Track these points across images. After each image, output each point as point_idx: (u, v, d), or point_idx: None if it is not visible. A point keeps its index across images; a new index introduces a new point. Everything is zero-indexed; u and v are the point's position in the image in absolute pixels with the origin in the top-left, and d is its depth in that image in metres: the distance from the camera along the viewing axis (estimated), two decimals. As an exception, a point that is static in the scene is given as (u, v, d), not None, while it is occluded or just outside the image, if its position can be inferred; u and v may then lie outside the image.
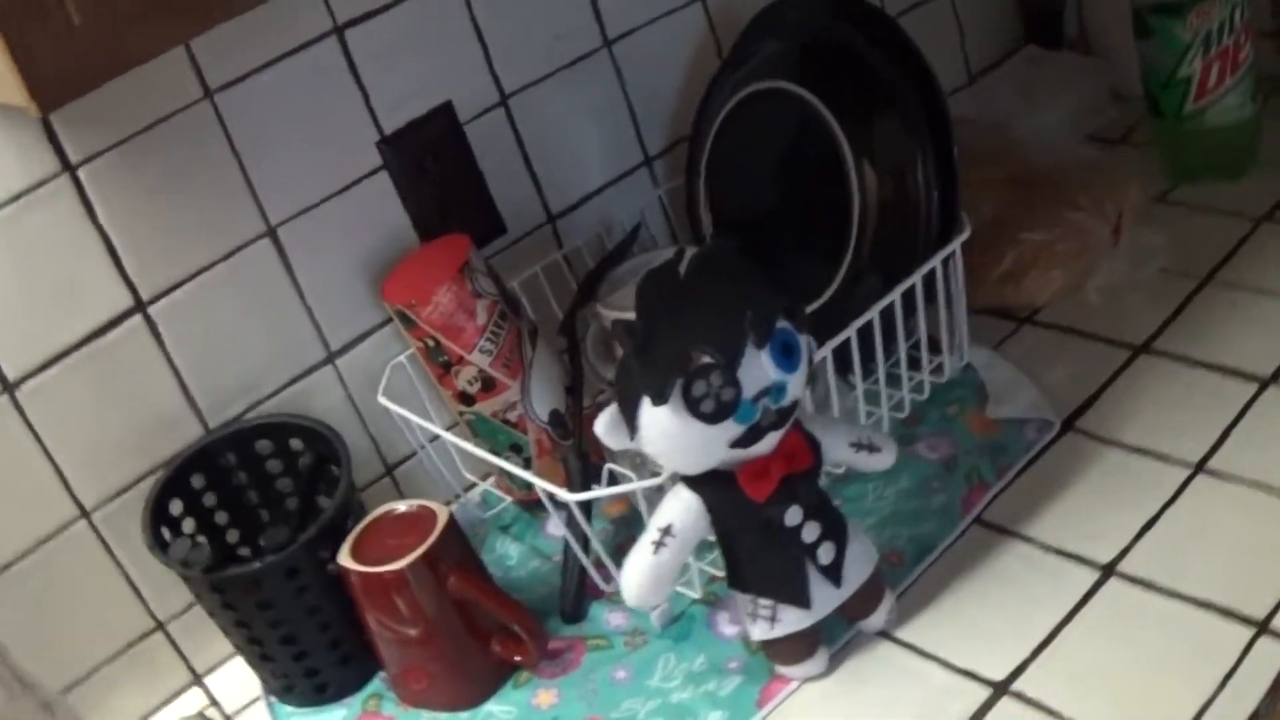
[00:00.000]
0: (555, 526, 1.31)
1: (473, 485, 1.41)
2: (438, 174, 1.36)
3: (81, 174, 1.17)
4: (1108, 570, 1.13)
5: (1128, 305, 1.41)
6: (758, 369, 1.00)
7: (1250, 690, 0.98)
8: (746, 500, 1.05)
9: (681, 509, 1.06)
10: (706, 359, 0.98)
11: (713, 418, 0.99)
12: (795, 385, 1.02)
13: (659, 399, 0.98)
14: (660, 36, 1.51)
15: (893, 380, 1.32)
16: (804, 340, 1.04)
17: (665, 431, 1.01)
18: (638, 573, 1.07)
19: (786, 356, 1.01)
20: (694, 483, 1.06)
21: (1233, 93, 1.50)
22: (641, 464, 1.20)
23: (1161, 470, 1.21)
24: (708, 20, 1.55)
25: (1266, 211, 1.50)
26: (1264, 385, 1.26)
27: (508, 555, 1.35)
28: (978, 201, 1.39)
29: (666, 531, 1.06)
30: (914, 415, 1.34)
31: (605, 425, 1.04)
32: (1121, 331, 1.38)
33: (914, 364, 1.34)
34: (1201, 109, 1.51)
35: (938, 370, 1.35)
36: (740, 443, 1.02)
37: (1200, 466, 1.20)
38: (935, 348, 1.34)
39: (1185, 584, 1.09)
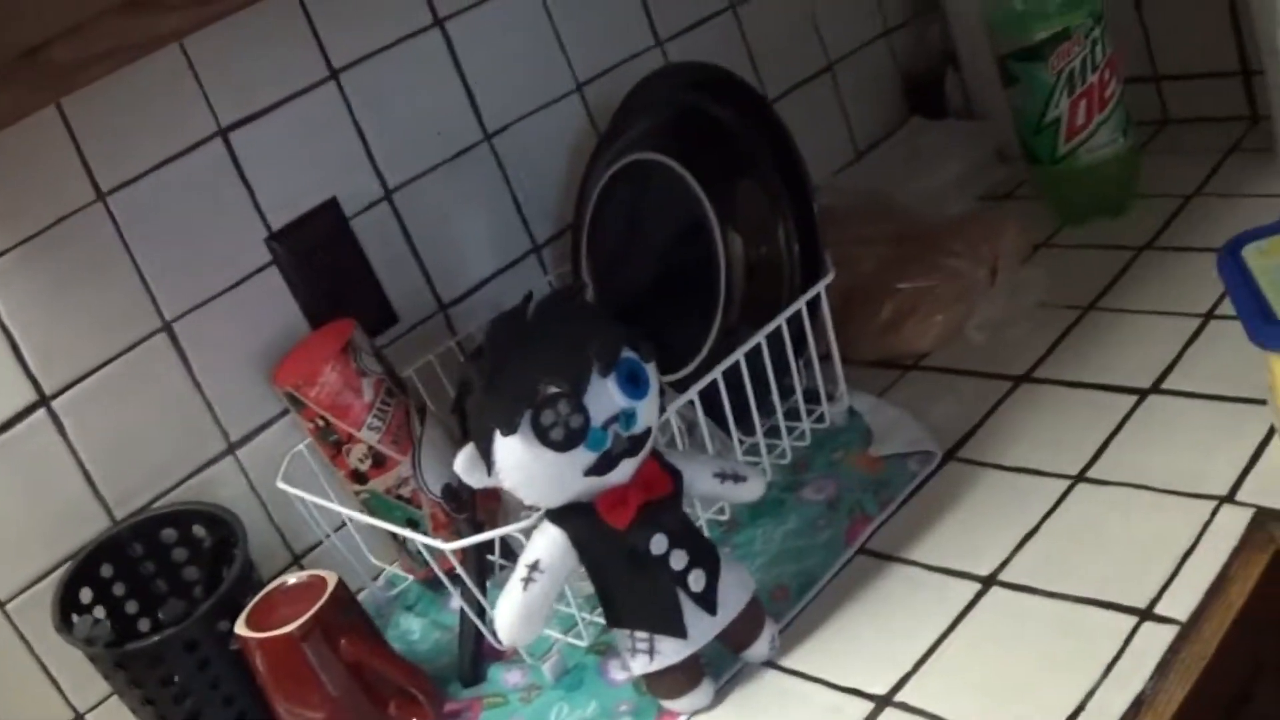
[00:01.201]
0: (458, 601, 1.33)
1: (380, 572, 1.43)
2: (327, 267, 1.40)
3: (-17, 274, 1.22)
4: (989, 581, 1.14)
5: (1009, 340, 1.44)
6: (605, 396, 1.03)
7: (1135, 674, 0.99)
8: (609, 529, 1.06)
9: (547, 543, 1.08)
10: (553, 388, 1.01)
11: (563, 445, 1.02)
12: (645, 413, 1.05)
13: (509, 429, 1.01)
14: (540, 128, 1.57)
15: (776, 433, 1.35)
16: (651, 369, 1.06)
17: (520, 463, 1.03)
18: (509, 609, 1.09)
19: (633, 384, 1.04)
20: (557, 517, 1.08)
21: (1103, 129, 1.54)
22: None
23: (1042, 484, 1.23)
24: (585, 109, 1.60)
25: (1146, 241, 1.54)
26: (1143, 395, 1.28)
27: (411, 630, 1.36)
28: (858, 258, 1.43)
29: (534, 567, 1.08)
30: (801, 463, 1.36)
31: (463, 463, 1.06)
32: (1003, 365, 1.41)
33: (797, 416, 1.36)
34: (1074, 148, 1.55)
35: (819, 419, 1.38)
36: (595, 470, 1.04)
37: (1080, 476, 1.22)
38: (816, 399, 1.37)
39: (1067, 585, 1.10)
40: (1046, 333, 1.43)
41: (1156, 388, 1.29)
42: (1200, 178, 1.63)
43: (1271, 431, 1.17)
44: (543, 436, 1.01)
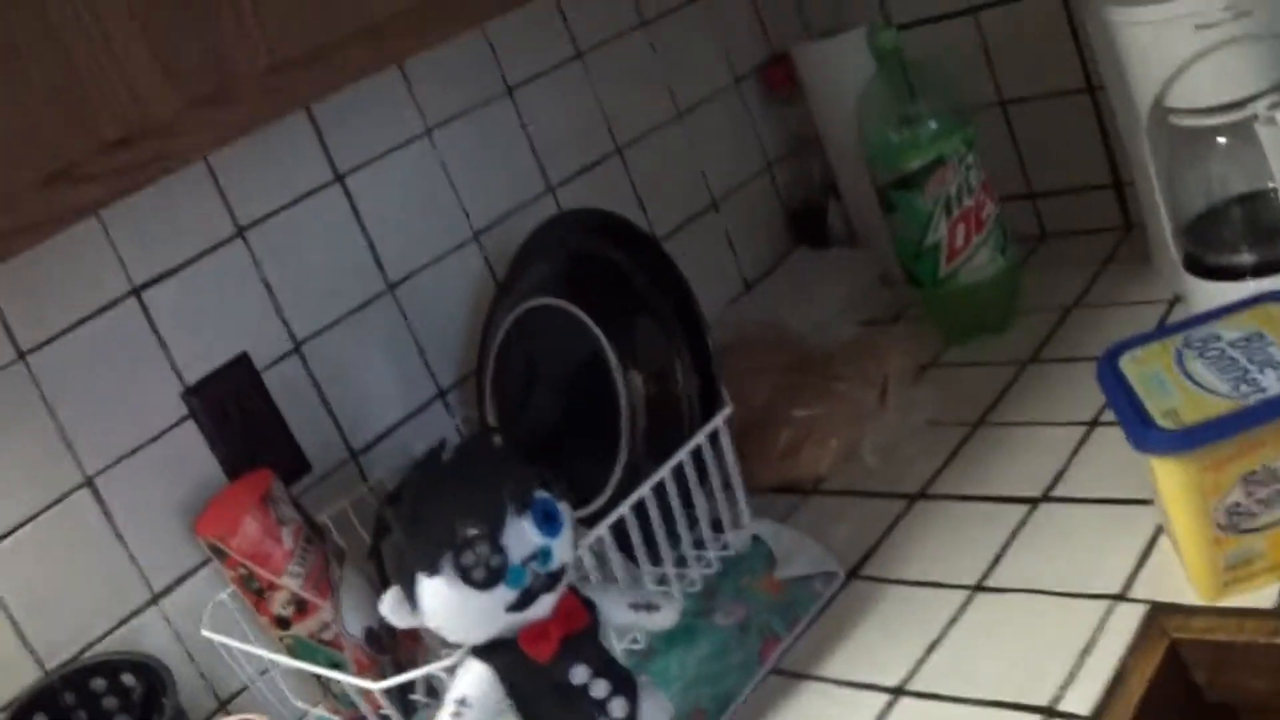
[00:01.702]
0: (385, 743, 1.36)
1: (304, 715, 1.45)
2: (240, 419, 1.44)
3: (-93, 430, 1.24)
4: (898, 691, 1.19)
5: (903, 460, 1.51)
6: (522, 536, 1.07)
7: (1043, 771, 1.04)
8: (532, 663, 1.10)
9: (474, 680, 1.11)
10: (472, 530, 1.05)
11: (485, 584, 1.05)
12: (561, 549, 1.09)
13: (432, 571, 1.05)
14: (440, 276, 1.62)
15: (685, 561, 1.39)
16: (564, 508, 1.11)
17: (444, 602, 1.07)
18: (441, 745, 1.12)
19: (548, 522, 1.08)
20: (482, 653, 1.11)
21: (982, 250, 1.61)
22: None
23: (942, 596, 1.28)
24: (483, 256, 1.66)
25: (1031, 355, 1.61)
26: (1034, 504, 1.35)
27: (339, 772, 1.38)
28: (752, 389, 1.48)
29: (462, 703, 1.11)
30: (710, 590, 1.40)
31: (389, 604, 1.09)
32: (898, 484, 1.47)
33: (702, 545, 1.41)
34: (954, 271, 1.63)
35: (724, 547, 1.42)
36: (515, 607, 1.08)
37: (978, 586, 1.27)
38: (720, 528, 1.42)
39: (972, 689, 1.16)
40: (938, 450, 1.50)
41: (1047, 496, 1.35)
42: (1079, 290, 1.71)
43: (1158, 530, 1.23)
44: (465, 576, 1.05)
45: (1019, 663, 1.16)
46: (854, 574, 1.37)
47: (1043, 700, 1.11)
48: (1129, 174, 1.67)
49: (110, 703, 1.33)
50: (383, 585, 1.33)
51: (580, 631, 1.12)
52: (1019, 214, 1.76)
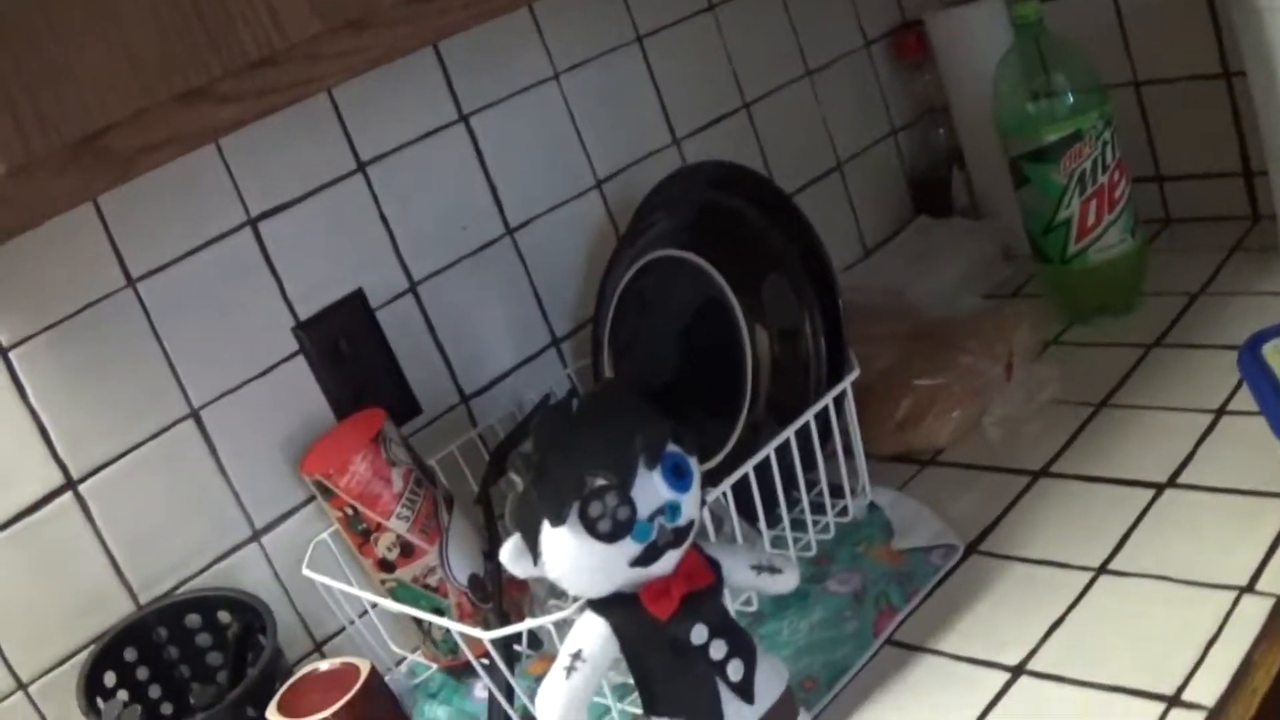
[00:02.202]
0: (481, 690, 1.34)
1: (401, 659, 1.44)
2: (352, 357, 1.42)
3: (13, 356, 1.23)
4: (1017, 670, 1.16)
5: (1025, 436, 1.47)
6: (651, 489, 1.04)
7: (1166, 761, 1.01)
8: (651, 619, 1.07)
9: (590, 633, 1.09)
10: (601, 481, 1.02)
11: (610, 537, 1.03)
12: (689, 505, 1.06)
13: (557, 520, 1.02)
14: (560, 223, 1.60)
15: (801, 526, 1.36)
16: (694, 463, 1.08)
17: (566, 553, 1.04)
18: (553, 698, 1.08)
19: (678, 477, 1.05)
20: (600, 607, 1.09)
21: (1113, 229, 1.57)
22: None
23: (1065, 576, 1.24)
24: (605, 206, 1.63)
25: (1155, 339, 1.57)
26: (1160, 490, 1.31)
27: (436, 719, 1.36)
28: (873, 355, 1.45)
29: (577, 656, 1.09)
30: (825, 556, 1.37)
31: (510, 553, 1.07)
32: (1020, 461, 1.43)
33: (820, 510, 1.38)
34: (1083, 249, 1.58)
35: (842, 512, 1.39)
36: (640, 561, 1.05)
37: (1102, 569, 1.23)
38: (839, 493, 1.39)
39: (1095, 673, 1.12)
40: (1062, 428, 1.46)
41: (1173, 482, 1.31)
42: (1205, 277, 1.66)
43: (1289, 523, 1.20)
44: (591, 528, 1.02)
45: (1142, 649, 1.13)
46: (973, 549, 1.33)
47: (1166, 689, 1.07)
48: (1261, 163, 1.63)
49: (204, 639, 1.32)
50: (489, 531, 1.32)
51: (702, 590, 1.09)
52: (1144, 197, 1.72)
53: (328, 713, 1.15)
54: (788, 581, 1.18)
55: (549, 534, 1.04)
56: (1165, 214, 1.85)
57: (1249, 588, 1.14)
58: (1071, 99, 1.54)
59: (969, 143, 1.89)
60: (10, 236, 1.04)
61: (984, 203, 1.91)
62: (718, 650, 1.10)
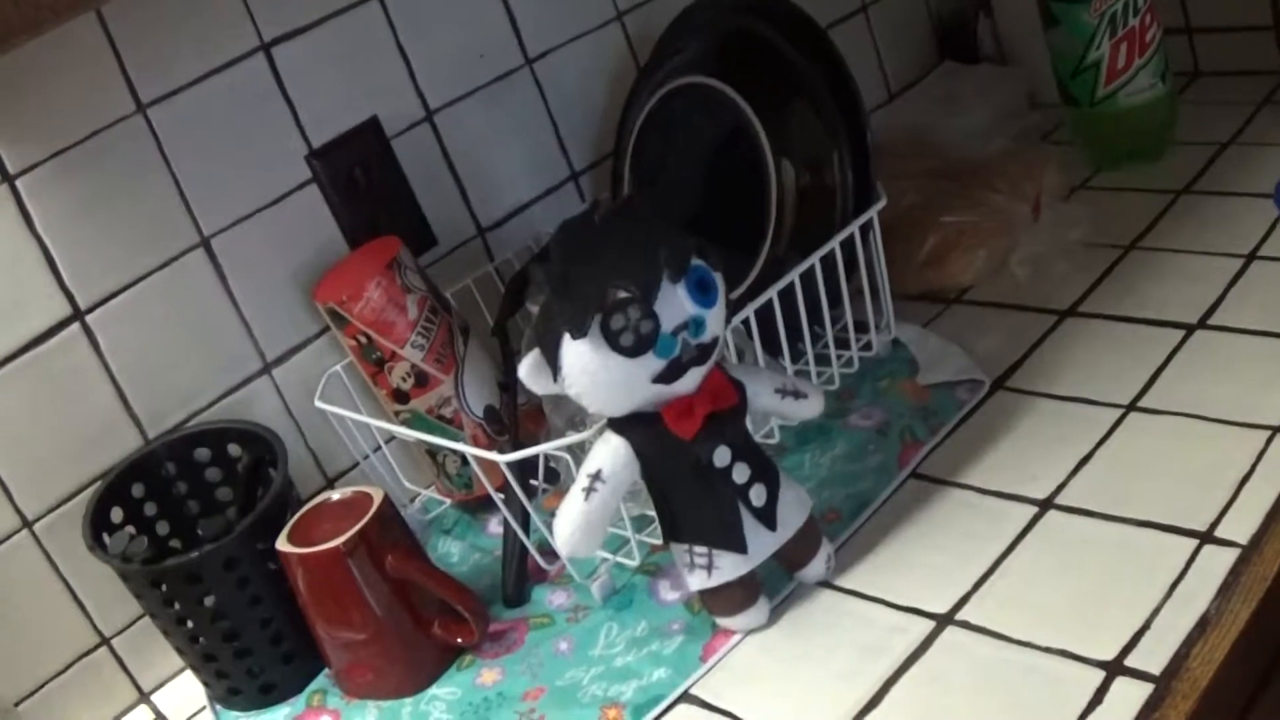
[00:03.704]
0: (496, 526, 1.33)
1: (415, 496, 1.42)
2: (367, 187, 1.38)
3: (20, 184, 1.19)
4: (1045, 504, 1.14)
5: (1053, 276, 1.44)
6: (675, 303, 1.01)
7: (1199, 595, 0.99)
8: (674, 440, 1.05)
9: (610, 453, 1.07)
10: (623, 293, 1.00)
11: (633, 351, 1.00)
12: (713, 321, 1.03)
13: (579, 332, 1.00)
14: (580, 54, 1.56)
15: (823, 360, 1.34)
16: (719, 278, 1.05)
17: (587, 368, 1.01)
18: (570, 519, 1.07)
19: (703, 292, 1.03)
20: (621, 427, 1.07)
21: (1143, 73, 1.53)
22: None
23: (1094, 413, 1.22)
24: (625, 38, 1.59)
25: (1185, 185, 1.54)
26: (1190, 330, 1.28)
27: (450, 554, 1.35)
28: (900, 192, 1.42)
29: (596, 477, 1.07)
30: (848, 391, 1.36)
31: (528, 368, 1.05)
32: (1048, 300, 1.41)
33: (843, 344, 1.36)
34: (1113, 92, 1.55)
35: (866, 347, 1.37)
36: (662, 378, 1.03)
37: (1132, 405, 1.21)
38: (863, 329, 1.37)
39: (1125, 508, 1.10)
40: (1090, 269, 1.43)
41: (1203, 323, 1.29)
42: (1234, 128, 1.63)
43: (1323, 365, 1.17)
44: (612, 341, 1.00)
45: (1174, 486, 1.11)
46: (1000, 384, 1.31)
47: (1199, 525, 1.05)
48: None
49: (213, 474, 1.31)
50: (505, 363, 1.29)
51: (726, 411, 1.07)
52: (1173, 49, 1.68)
53: (339, 540, 1.13)
54: (813, 406, 1.16)
55: (569, 347, 1.01)
56: (1195, 66, 1.80)
57: (1282, 427, 1.12)
58: (1104, -62, 1.50)
59: (996, -14, 1.85)
60: (12, 36, 1.00)
61: (1010, 49, 1.86)
62: (740, 474, 1.08)
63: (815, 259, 1.24)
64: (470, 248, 1.48)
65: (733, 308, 1.13)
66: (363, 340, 1.27)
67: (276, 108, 1.34)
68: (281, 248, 1.35)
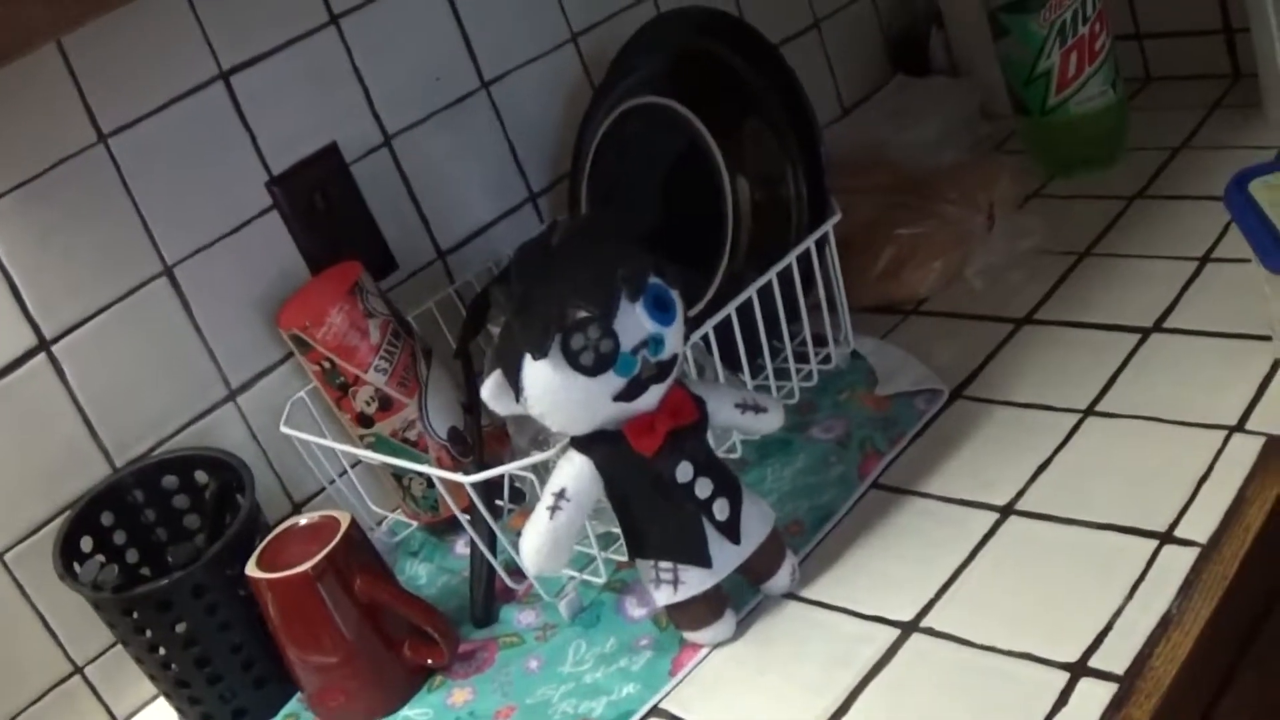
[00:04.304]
0: (463, 547, 1.33)
1: (382, 519, 1.42)
2: (327, 212, 1.39)
3: (-17, 215, 1.20)
4: (1006, 510, 1.15)
5: (1008, 285, 1.46)
6: (634, 322, 1.02)
7: (1160, 595, 1.00)
8: (636, 456, 1.06)
9: (574, 472, 1.08)
10: (583, 313, 1.01)
11: (593, 370, 1.01)
12: (672, 338, 1.04)
13: (539, 352, 1.01)
14: (535, 76, 1.57)
15: (783, 374, 1.35)
16: (677, 296, 1.06)
17: (549, 388, 1.03)
18: (536, 538, 1.08)
19: (661, 310, 1.04)
20: (583, 445, 1.08)
21: (1093, 80, 1.55)
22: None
23: (1052, 419, 1.24)
24: (580, 60, 1.60)
25: (1138, 190, 1.56)
26: (1145, 334, 1.30)
27: (417, 576, 1.36)
28: (854, 206, 1.43)
29: (561, 495, 1.07)
30: (808, 404, 1.37)
31: (491, 389, 1.06)
32: (1004, 309, 1.42)
33: (803, 358, 1.37)
34: (1064, 100, 1.57)
35: (825, 360, 1.39)
36: (623, 396, 1.04)
37: (1090, 410, 1.23)
38: (822, 342, 1.38)
39: (1085, 512, 1.12)
40: (1045, 277, 1.44)
41: (1159, 326, 1.30)
42: (1186, 132, 1.65)
43: (1276, 364, 1.19)
44: (573, 360, 1.01)
45: (1133, 488, 1.12)
46: (958, 394, 1.32)
47: (1159, 526, 1.07)
48: (1242, 20, 1.61)
49: (181, 501, 1.31)
50: (467, 384, 1.30)
51: (687, 427, 1.08)
52: (1124, 55, 1.69)
53: (308, 565, 1.14)
54: (772, 420, 1.17)
55: (531, 368, 1.02)
56: (1146, 72, 1.83)
57: (1238, 427, 1.14)
58: (1050, -51, 1.52)
59: (947, 1, 1.87)
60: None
61: (962, 61, 1.88)
62: (703, 489, 1.09)
63: (772, 274, 1.25)
64: (431, 270, 1.49)
65: (691, 324, 1.14)
66: (326, 365, 1.28)
67: (236, 135, 1.34)
68: (244, 275, 1.35)
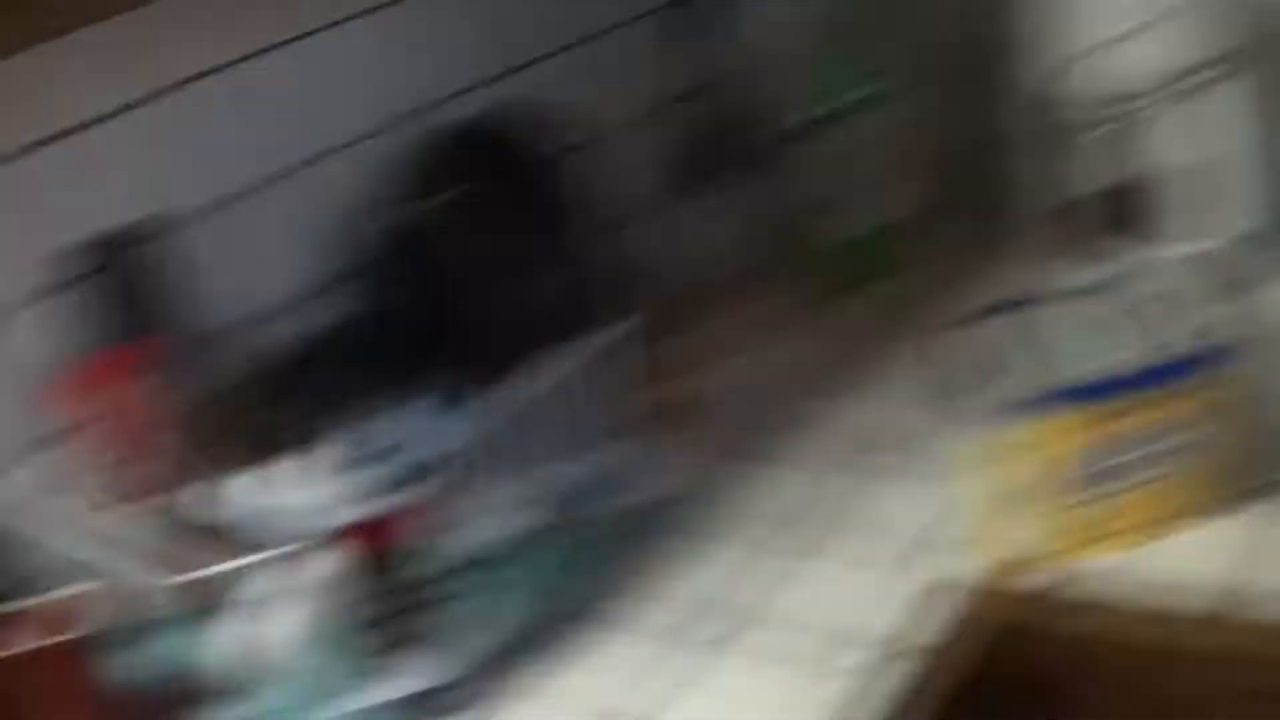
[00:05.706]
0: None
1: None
2: (119, 291, 1.34)
3: None
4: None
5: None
6: (388, 425, 1.11)
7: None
8: (375, 558, 1.11)
9: (312, 570, 1.11)
10: (326, 419, 1.05)
11: (338, 471, 1.07)
12: (420, 446, 1.10)
13: (287, 451, 1.06)
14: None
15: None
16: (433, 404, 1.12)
17: (293, 485, 1.08)
18: (257, 640, 1.11)
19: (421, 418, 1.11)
20: (324, 544, 1.11)
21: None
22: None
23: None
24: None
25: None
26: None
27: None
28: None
29: (279, 596, 1.11)
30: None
31: (240, 486, 1.11)
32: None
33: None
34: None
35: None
36: (365, 498, 1.09)
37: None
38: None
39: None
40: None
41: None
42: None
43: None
44: (319, 462, 1.06)
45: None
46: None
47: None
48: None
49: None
50: (217, 477, 1.28)
51: (423, 533, 1.13)
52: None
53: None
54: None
55: (278, 465, 1.07)
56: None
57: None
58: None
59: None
60: None
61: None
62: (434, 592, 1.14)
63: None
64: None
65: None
66: (94, 446, 1.30)
67: (33, 211, 1.33)
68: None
